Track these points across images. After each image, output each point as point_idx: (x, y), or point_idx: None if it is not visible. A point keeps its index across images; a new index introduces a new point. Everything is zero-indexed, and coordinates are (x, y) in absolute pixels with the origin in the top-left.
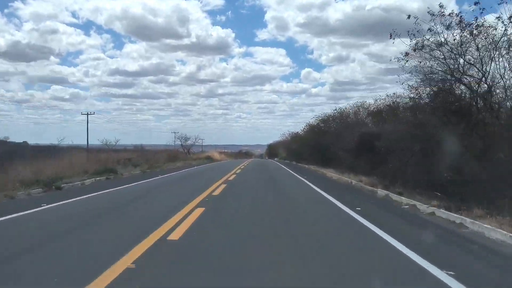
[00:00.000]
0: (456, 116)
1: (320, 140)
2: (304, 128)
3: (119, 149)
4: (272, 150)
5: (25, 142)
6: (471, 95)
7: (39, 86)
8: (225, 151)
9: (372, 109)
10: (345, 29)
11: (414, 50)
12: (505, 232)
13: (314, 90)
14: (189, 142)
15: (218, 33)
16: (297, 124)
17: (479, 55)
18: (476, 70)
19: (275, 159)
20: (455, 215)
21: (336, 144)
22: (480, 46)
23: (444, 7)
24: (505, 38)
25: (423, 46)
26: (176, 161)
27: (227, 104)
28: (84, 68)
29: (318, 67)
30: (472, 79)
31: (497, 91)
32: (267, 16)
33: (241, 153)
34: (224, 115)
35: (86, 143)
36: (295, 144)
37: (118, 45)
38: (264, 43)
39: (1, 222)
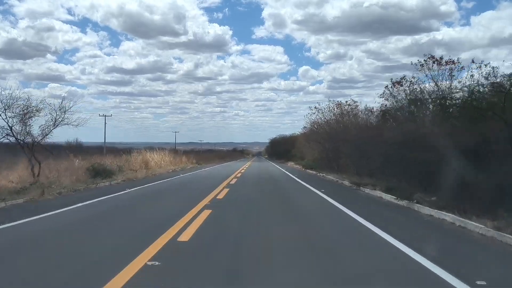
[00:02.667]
0: None
1: None
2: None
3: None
4: (276, 148)
5: None
6: None
7: (36, 84)
8: (219, 148)
9: None
10: (343, 26)
11: None
12: None
13: (311, 88)
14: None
15: (215, 30)
16: (295, 122)
17: None
18: None
19: (288, 164)
20: None
21: None
22: None
23: None
24: None
25: None
26: None
27: (225, 102)
28: (81, 66)
29: (316, 65)
30: None
31: None
32: (264, 13)
33: (237, 152)
34: (222, 112)
35: None
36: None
37: (115, 42)
38: (261, 41)
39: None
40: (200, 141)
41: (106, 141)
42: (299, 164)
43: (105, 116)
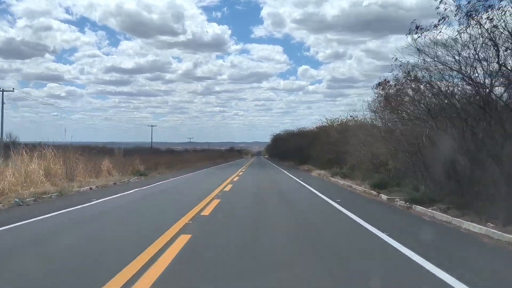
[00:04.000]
0: None
1: None
2: None
3: None
4: (280, 147)
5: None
6: None
7: (34, 84)
8: (214, 148)
9: None
10: (342, 25)
11: None
12: None
13: (311, 87)
14: None
15: (214, 29)
16: (295, 121)
17: None
18: None
19: (311, 172)
20: None
21: None
22: None
23: None
24: None
25: None
26: None
27: (224, 101)
28: (80, 66)
29: (315, 64)
30: None
31: None
32: (263, 12)
33: (234, 151)
34: (221, 112)
35: None
36: None
37: (113, 42)
38: (260, 40)
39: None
40: (189, 139)
41: (100, 141)
42: (340, 176)
43: (3, 90)
